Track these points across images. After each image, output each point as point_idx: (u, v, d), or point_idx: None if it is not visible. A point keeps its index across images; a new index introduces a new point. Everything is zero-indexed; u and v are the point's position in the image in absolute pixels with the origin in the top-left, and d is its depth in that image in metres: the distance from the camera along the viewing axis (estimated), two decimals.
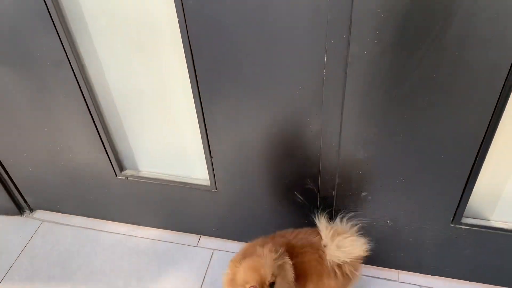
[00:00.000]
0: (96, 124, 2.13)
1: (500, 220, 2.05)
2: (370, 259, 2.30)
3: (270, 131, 1.89)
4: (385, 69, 1.56)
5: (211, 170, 2.15)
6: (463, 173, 1.83)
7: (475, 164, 1.78)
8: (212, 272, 2.43)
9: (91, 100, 2.02)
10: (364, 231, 2.10)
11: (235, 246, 2.55)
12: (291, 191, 2.14)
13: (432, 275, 2.38)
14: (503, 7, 1.32)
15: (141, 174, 2.38)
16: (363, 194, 2.04)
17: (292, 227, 2.33)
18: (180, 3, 1.55)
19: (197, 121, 1.94)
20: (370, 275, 2.41)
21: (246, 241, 2.50)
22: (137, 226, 2.69)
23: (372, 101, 1.67)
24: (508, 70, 1.45)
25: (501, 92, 1.52)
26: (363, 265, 1.96)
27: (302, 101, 1.74)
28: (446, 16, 1.37)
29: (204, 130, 1.97)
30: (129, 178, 2.38)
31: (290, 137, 1.90)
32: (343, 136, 1.82)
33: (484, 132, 1.67)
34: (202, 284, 2.38)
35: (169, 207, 2.50)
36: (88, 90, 1.99)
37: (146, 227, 2.68)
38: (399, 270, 2.42)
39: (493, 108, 1.58)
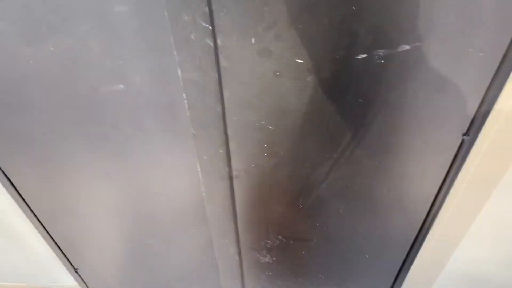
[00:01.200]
0: None
1: None
2: None
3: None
4: (282, 182, 1.11)
5: (81, 281, 1.63)
6: (394, 267, 1.49)
7: (407, 258, 1.43)
8: None
9: None
10: None
11: None
12: None
13: None
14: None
15: None
16: None
17: None
18: None
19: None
20: None
21: None
22: None
23: (271, 213, 1.23)
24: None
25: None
26: None
27: (185, 215, 1.27)
28: (358, 126, 0.94)
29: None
30: None
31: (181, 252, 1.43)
32: (241, 243, 1.38)
33: (417, 232, 1.30)
34: None
35: None
36: None
37: None
38: None
39: (427, 210, 1.21)
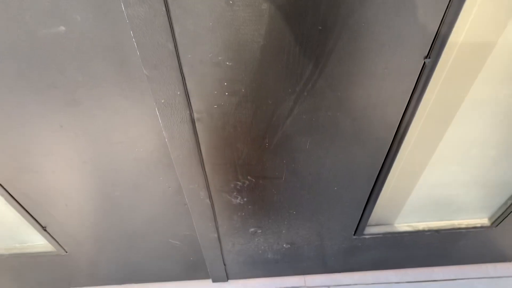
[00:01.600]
0: None
1: (404, 223, 1.82)
2: (273, 271, 2.07)
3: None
4: (246, 121, 1.09)
5: (51, 238, 1.60)
6: (362, 197, 1.52)
7: (375, 188, 1.47)
8: None
9: None
10: (260, 252, 1.82)
11: None
12: (165, 239, 1.70)
13: (339, 272, 2.19)
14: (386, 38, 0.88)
15: None
16: (251, 229, 1.67)
17: (176, 266, 1.97)
18: None
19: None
20: (276, 286, 2.15)
21: (132, 283, 2.11)
22: None
23: (238, 154, 1.22)
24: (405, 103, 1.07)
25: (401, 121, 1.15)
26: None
27: (150, 162, 1.23)
28: (319, 56, 0.91)
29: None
30: None
31: (151, 197, 1.41)
32: (211, 187, 1.37)
33: (382, 161, 1.32)
34: None
35: (14, 275, 1.93)
36: None
37: None
38: (305, 275, 2.19)
39: (392, 138, 1.22)
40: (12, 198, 1.33)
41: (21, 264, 1.80)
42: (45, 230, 1.53)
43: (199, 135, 1.13)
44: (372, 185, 1.44)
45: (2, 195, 1.31)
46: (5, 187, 1.29)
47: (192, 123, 1.09)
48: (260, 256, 1.91)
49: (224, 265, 1.96)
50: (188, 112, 1.05)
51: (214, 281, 2.13)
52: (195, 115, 1.07)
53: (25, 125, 1.09)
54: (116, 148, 1.17)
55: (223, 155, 1.24)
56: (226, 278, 2.12)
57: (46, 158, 1.20)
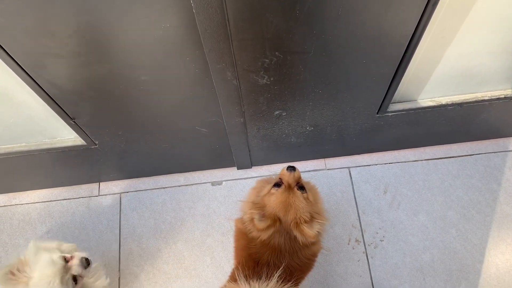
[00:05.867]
0: None
1: (427, 98, 1.83)
2: (295, 156, 2.13)
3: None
4: None
5: (81, 131, 1.62)
6: (390, 70, 1.51)
7: (402, 61, 1.45)
8: (127, 218, 2.12)
9: None
10: (284, 136, 1.86)
11: (147, 183, 2.20)
12: (192, 127, 1.72)
13: (358, 154, 2.26)
14: None
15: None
16: (276, 112, 1.68)
17: (203, 155, 2.02)
18: None
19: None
20: None
21: (160, 175, 2.18)
22: (15, 193, 2.19)
23: (267, 26, 1.18)
24: None
25: None
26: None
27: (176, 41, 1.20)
28: None
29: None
30: None
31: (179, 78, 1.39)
32: (238, 66, 1.35)
33: (415, 26, 1.28)
34: (120, 235, 2.09)
35: (46, 170, 1.99)
36: None
37: (28, 192, 2.19)
38: (325, 159, 2.26)
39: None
40: (39, 86, 1.31)
41: (53, 159, 1.85)
42: (74, 122, 1.54)
43: (227, 3, 1.08)
44: (402, 55, 1.41)
45: (29, 84, 1.30)
46: (30, 74, 1.26)
47: None
48: (284, 140, 1.95)
49: (249, 151, 2.00)
50: None
51: (239, 168, 2.20)
52: None
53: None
54: (142, 25, 1.13)
55: (252, 28, 1.19)
56: (251, 164, 2.19)
57: (70, 41, 1.16)
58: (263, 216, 1.37)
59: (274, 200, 1.40)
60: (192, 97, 1.50)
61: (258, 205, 1.42)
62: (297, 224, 1.36)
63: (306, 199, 1.41)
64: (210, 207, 2.14)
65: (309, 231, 1.34)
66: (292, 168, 1.45)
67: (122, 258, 2.04)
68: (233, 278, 1.42)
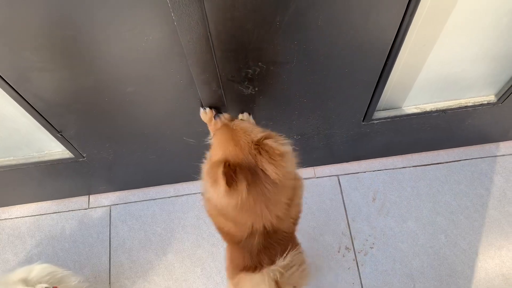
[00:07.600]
0: None
1: (412, 105, 1.85)
2: None
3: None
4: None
5: (68, 144, 1.63)
6: (373, 78, 1.53)
7: (384, 69, 1.47)
8: (117, 230, 2.11)
9: None
10: None
11: (137, 194, 2.20)
12: (180, 137, 1.73)
13: (347, 162, 2.27)
14: None
15: None
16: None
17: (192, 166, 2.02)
18: None
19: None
20: None
21: (149, 186, 2.18)
22: (4, 208, 2.18)
23: (249, 37, 1.20)
24: None
25: None
26: None
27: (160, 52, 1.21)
28: None
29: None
30: None
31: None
32: (222, 77, 1.37)
33: (394, 35, 1.31)
34: (110, 248, 2.08)
35: (35, 184, 1.99)
36: None
37: (18, 206, 2.18)
38: (314, 167, 2.27)
39: (404, 10, 1.20)
40: (24, 100, 1.32)
41: (41, 173, 1.85)
42: (61, 135, 1.55)
43: (208, 16, 1.10)
44: (383, 63, 1.43)
45: (13, 97, 1.31)
46: (15, 88, 1.27)
47: (200, 1, 1.05)
48: None
49: None
50: None
51: None
52: None
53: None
54: (124, 38, 1.14)
55: (234, 39, 1.21)
56: None
57: (54, 55, 1.17)
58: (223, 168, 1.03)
59: (218, 140, 1.18)
60: (178, 107, 1.51)
61: (212, 164, 1.13)
62: (257, 146, 1.09)
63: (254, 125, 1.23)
64: (200, 218, 2.14)
65: (276, 145, 1.08)
66: (218, 116, 1.30)
67: (113, 271, 2.03)
68: (236, 267, 1.23)
